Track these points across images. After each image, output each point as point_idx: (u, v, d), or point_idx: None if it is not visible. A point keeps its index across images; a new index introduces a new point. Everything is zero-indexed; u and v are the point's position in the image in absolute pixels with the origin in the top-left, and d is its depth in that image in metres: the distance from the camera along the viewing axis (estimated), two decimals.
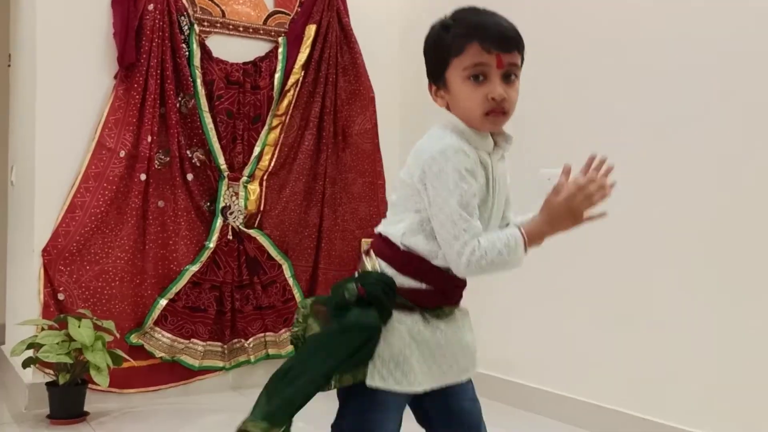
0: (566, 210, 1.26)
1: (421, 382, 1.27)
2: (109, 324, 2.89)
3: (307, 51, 3.51)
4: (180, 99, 3.23)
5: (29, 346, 2.72)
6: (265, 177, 3.43)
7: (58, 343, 2.69)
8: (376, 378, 1.24)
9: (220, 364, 3.30)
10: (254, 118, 3.41)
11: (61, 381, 2.73)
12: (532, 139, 3.08)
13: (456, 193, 1.22)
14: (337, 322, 1.23)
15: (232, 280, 3.32)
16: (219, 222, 3.29)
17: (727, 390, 2.31)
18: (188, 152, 3.25)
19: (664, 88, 2.54)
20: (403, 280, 1.29)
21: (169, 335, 3.18)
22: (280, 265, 3.44)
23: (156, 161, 3.16)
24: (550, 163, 2.97)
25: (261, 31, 3.50)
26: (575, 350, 2.84)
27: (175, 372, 3.21)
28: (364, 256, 1.36)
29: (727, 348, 2.32)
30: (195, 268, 3.20)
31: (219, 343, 3.30)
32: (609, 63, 2.74)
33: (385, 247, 1.31)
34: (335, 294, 1.27)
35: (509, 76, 1.30)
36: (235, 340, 3.35)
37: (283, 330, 3.46)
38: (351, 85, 3.68)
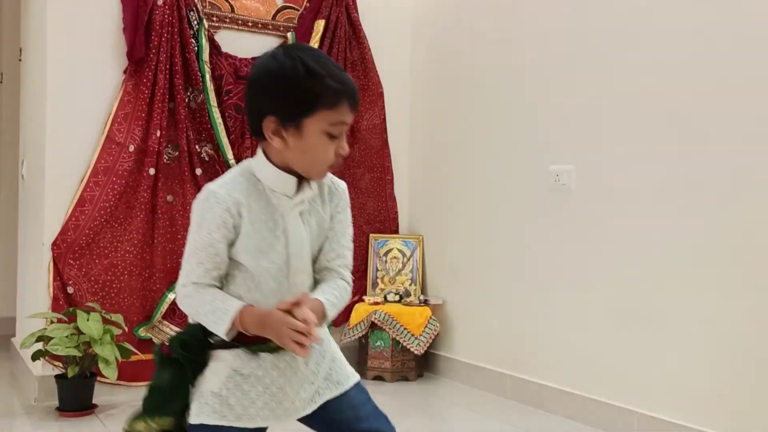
0: (272, 330, 1.20)
1: (252, 416, 1.28)
2: (118, 317, 2.91)
3: (316, 46, 3.51)
4: (189, 94, 3.24)
5: (38, 339, 2.75)
6: None
7: (67, 336, 2.71)
8: (202, 415, 1.26)
9: None
10: None
11: (70, 374, 2.75)
12: (543, 136, 3.08)
13: (193, 238, 1.26)
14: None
15: None
16: None
17: (739, 389, 2.30)
18: (197, 147, 3.26)
19: (678, 83, 2.52)
20: None
21: (178, 329, 3.19)
22: None
23: (165, 156, 3.17)
24: (560, 159, 2.98)
25: (270, 27, 3.50)
26: (582, 347, 2.83)
27: None
28: None
29: (739, 346, 2.30)
30: None
31: None
32: (620, 61, 2.73)
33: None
34: (156, 349, 1.32)
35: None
36: None
37: None
38: (360, 80, 3.68)
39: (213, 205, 1.24)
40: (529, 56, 3.14)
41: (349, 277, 1.38)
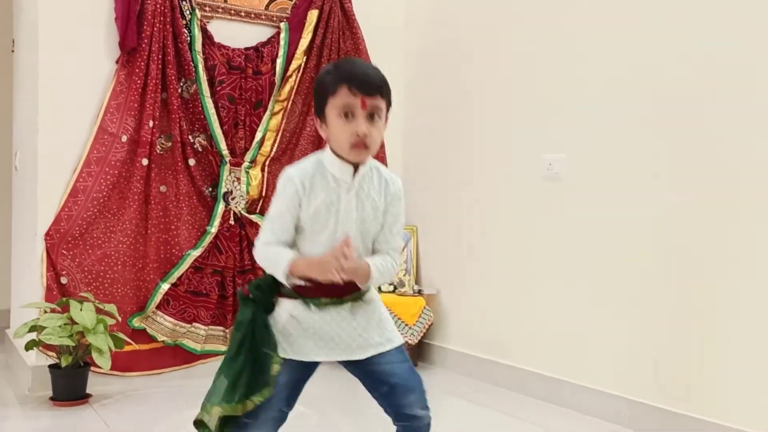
0: (317, 267, 1.52)
1: (307, 353, 1.58)
2: (111, 307, 2.92)
3: (309, 36, 3.51)
4: (181, 84, 3.23)
5: (32, 329, 2.75)
6: (267, 162, 3.44)
7: (60, 326, 2.72)
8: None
9: (222, 348, 3.32)
10: (256, 103, 3.42)
11: (64, 363, 2.76)
12: (536, 124, 3.09)
13: (274, 202, 1.59)
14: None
15: (233, 265, 3.33)
16: (221, 207, 3.30)
17: (731, 374, 2.31)
18: (190, 137, 3.26)
19: (671, 72, 2.53)
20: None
21: (171, 319, 3.20)
22: None
23: (158, 146, 3.17)
24: (553, 148, 2.98)
25: (263, 17, 3.50)
26: (574, 335, 2.85)
27: (177, 355, 3.24)
28: None
29: (730, 332, 2.32)
30: (197, 252, 3.22)
31: (221, 328, 3.33)
32: (612, 50, 2.73)
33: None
34: (238, 293, 1.64)
35: (373, 116, 1.53)
36: None
37: None
38: None
39: (286, 183, 1.57)
40: (522, 45, 3.14)
41: (397, 257, 1.65)
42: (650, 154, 2.57)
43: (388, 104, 1.57)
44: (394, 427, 1.68)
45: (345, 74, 1.51)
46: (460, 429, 2.63)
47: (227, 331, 3.33)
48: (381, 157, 3.78)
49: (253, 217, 3.38)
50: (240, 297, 1.61)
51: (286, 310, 1.59)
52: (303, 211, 1.56)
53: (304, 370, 1.61)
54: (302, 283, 1.56)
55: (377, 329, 1.64)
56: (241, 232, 3.36)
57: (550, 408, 2.87)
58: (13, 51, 3.80)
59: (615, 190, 2.70)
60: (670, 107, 2.51)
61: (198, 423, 1.61)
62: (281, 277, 1.55)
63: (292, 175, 1.57)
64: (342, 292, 1.59)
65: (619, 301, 2.67)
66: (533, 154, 3.04)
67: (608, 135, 2.73)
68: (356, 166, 1.57)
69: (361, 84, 1.50)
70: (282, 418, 1.62)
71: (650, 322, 2.55)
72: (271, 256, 1.56)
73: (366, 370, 1.64)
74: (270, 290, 1.60)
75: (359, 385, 1.66)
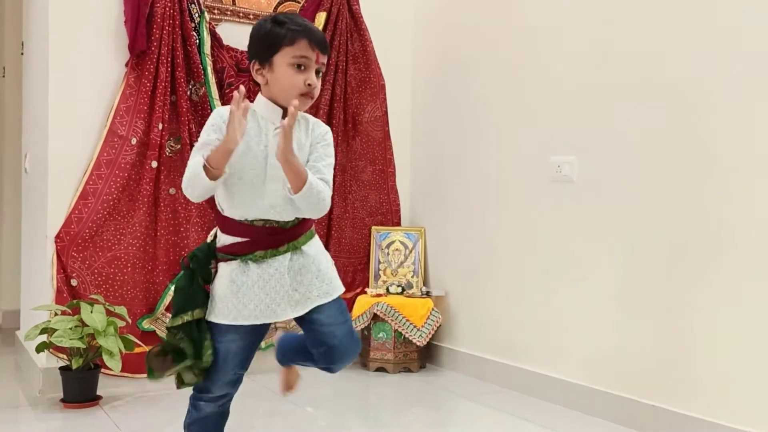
0: (225, 139, 1.55)
1: (247, 317, 1.65)
2: (121, 309, 2.93)
3: None
4: (191, 87, 3.25)
5: (43, 331, 2.76)
6: None
7: (71, 328, 2.73)
8: (212, 315, 1.68)
9: None
10: None
11: (74, 365, 2.78)
12: (545, 127, 3.09)
13: (201, 136, 1.67)
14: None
15: None
16: None
17: (744, 377, 2.31)
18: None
19: (679, 72, 2.52)
20: (225, 239, 1.69)
21: None
22: None
23: (167, 148, 3.18)
24: (562, 150, 2.98)
25: None
26: (585, 337, 2.84)
27: None
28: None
29: (738, 332, 2.31)
30: None
31: None
32: (621, 51, 2.73)
33: (216, 215, 1.75)
34: (180, 262, 1.75)
35: (319, 72, 1.68)
36: None
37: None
38: (361, 72, 3.68)
39: (214, 116, 1.66)
40: (531, 48, 3.14)
41: (327, 188, 1.67)
42: (659, 155, 2.56)
43: (327, 62, 1.72)
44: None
45: (304, 29, 1.63)
46: (467, 429, 2.63)
47: None
48: (389, 158, 3.79)
49: None
50: (182, 266, 1.71)
51: (225, 277, 1.66)
52: None
53: (254, 333, 1.70)
54: (237, 240, 1.65)
55: (316, 282, 1.70)
56: None
57: (560, 410, 2.87)
58: (22, 54, 3.82)
59: (624, 192, 2.69)
60: (679, 109, 2.50)
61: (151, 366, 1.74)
62: (203, 181, 1.55)
63: (221, 110, 1.65)
64: (278, 242, 1.66)
65: (630, 303, 2.66)
66: (542, 156, 3.04)
67: (617, 137, 2.73)
68: (285, 111, 1.61)
69: (319, 41, 1.64)
70: (239, 380, 1.77)
71: (663, 324, 2.54)
72: (190, 171, 1.58)
73: (309, 328, 1.72)
74: (206, 257, 1.69)
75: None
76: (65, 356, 2.87)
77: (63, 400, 2.84)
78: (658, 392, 2.55)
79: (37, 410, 2.81)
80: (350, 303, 3.58)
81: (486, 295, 3.37)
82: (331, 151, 1.74)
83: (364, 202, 3.70)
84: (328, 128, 1.76)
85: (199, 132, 3.21)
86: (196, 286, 1.67)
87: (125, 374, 3.04)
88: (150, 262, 3.15)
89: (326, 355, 1.72)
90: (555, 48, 3.02)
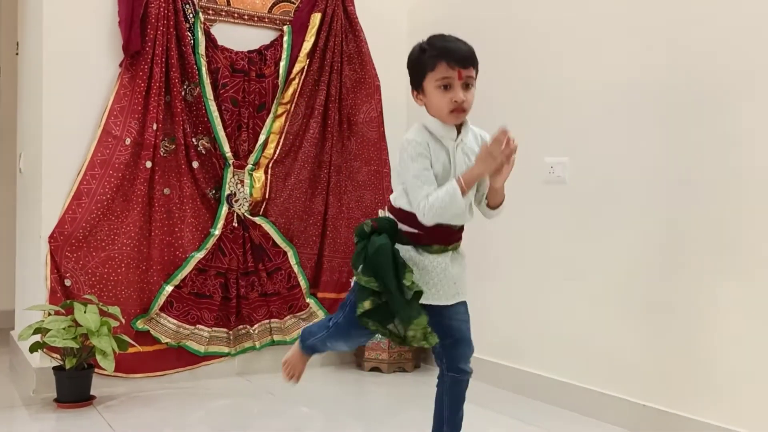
0: (486, 154, 1.75)
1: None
2: (115, 309, 2.93)
3: (312, 39, 3.52)
4: (185, 87, 3.25)
5: (36, 331, 2.76)
6: (270, 165, 3.45)
7: (64, 328, 2.73)
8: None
9: (226, 349, 3.34)
10: (259, 106, 3.43)
11: (68, 365, 2.78)
12: (538, 128, 3.10)
13: (411, 169, 1.81)
14: (362, 246, 1.83)
15: (237, 267, 3.35)
16: (224, 209, 3.31)
17: (743, 380, 2.31)
18: (193, 140, 3.28)
19: (672, 74, 2.53)
20: (402, 227, 1.87)
21: (175, 321, 3.21)
22: (285, 253, 3.47)
23: (161, 149, 3.19)
24: (555, 151, 2.99)
25: (266, 20, 3.51)
26: (577, 337, 2.85)
27: (181, 357, 3.25)
28: (380, 211, 1.97)
29: (745, 338, 2.32)
30: (200, 254, 3.23)
31: (224, 329, 3.34)
32: (614, 53, 2.73)
33: (390, 208, 1.94)
34: (357, 230, 1.88)
35: (468, 85, 1.81)
36: (241, 327, 3.39)
37: (288, 316, 3.49)
38: (356, 73, 3.69)
39: (415, 146, 1.81)
40: (524, 49, 3.15)
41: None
42: (652, 156, 2.57)
43: (477, 71, 1.83)
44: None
45: (443, 50, 1.77)
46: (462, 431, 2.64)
47: (230, 332, 3.35)
48: (384, 159, 3.79)
49: (257, 220, 3.39)
50: (367, 230, 1.84)
51: (401, 255, 1.82)
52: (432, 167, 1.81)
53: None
54: (417, 231, 1.83)
55: (464, 280, 1.93)
56: (245, 235, 3.37)
57: (557, 412, 2.87)
58: (17, 54, 3.82)
59: (617, 193, 2.70)
60: (672, 110, 2.51)
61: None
62: (460, 204, 1.75)
63: (417, 139, 1.82)
64: (449, 240, 1.88)
65: (626, 305, 2.67)
66: (535, 158, 3.05)
67: (610, 138, 2.74)
68: (458, 127, 1.85)
69: (458, 59, 1.76)
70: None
71: (655, 325, 2.55)
72: (442, 196, 1.75)
73: (441, 321, 1.88)
74: (393, 229, 1.85)
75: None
76: (59, 356, 2.87)
77: (57, 400, 2.84)
78: (651, 392, 2.55)
79: (31, 410, 2.81)
80: None
81: (479, 295, 3.36)
82: None
83: (359, 203, 3.70)
84: (487, 136, 1.91)
85: (192, 131, 3.27)
86: (396, 250, 1.81)
87: (119, 374, 3.04)
88: (144, 262, 3.15)
89: (450, 348, 1.91)
90: (548, 48, 3.03)
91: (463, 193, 1.75)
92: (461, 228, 1.92)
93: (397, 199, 1.91)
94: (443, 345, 1.91)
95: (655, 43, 2.57)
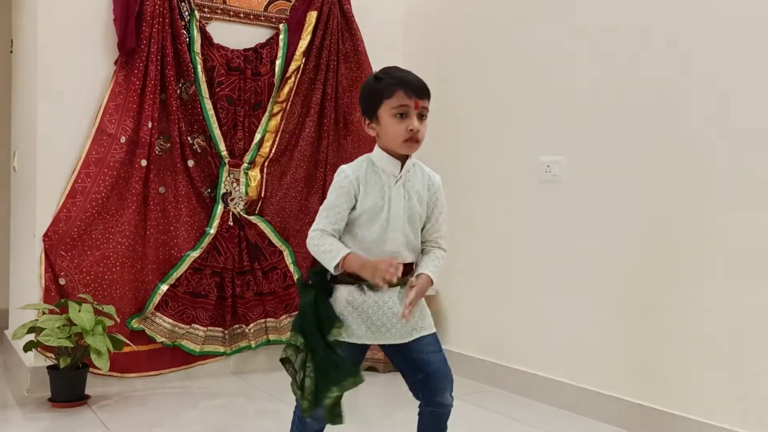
0: (369, 270, 1.69)
1: (359, 336, 1.77)
2: (110, 309, 2.92)
3: (308, 38, 3.51)
4: (180, 85, 3.23)
5: (30, 330, 2.75)
6: (266, 163, 3.44)
7: (58, 327, 2.71)
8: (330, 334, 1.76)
9: (221, 349, 3.33)
10: (255, 104, 3.42)
11: (62, 365, 2.76)
12: (534, 127, 3.10)
13: (329, 197, 1.80)
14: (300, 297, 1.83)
15: (232, 266, 3.33)
16: (220, 208, 3.30)
17: (727, 377, 2.31)
18: (189, 138, 3.26)
19: (667, 73, 2.53)
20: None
21: (170, 320, 3.20)
22: (280, 252, 3.46)
23: (157, 147, 3.17)
24: (551, 151, 2.99)
25: (262, 18, 3.50)
26: (572, 336, 2.85)
27: (176, 357, 3.24)
28: None
29: (727, 333, 2.32)
30: (196, 253, 3.22)
31: (220, 329, 3.33)
32: (610, 52, 2.73)
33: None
34: (298, 285, 1.89)
35: (422, 116, 1.78)
36: (236, 326, 3.37)
37: (284, 315, 3.47)
38: (352, 71, 3.68)
39: (342, 179, 1.78)
40: (522, 48, 3.14)
41: (445, 245, 1.90)
42: (648, 155, 2.57)
43: (429, 104, 1.81)
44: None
45: (400, 80, 1.76)
46: (460, 431, 2.63)
47: (226, 332, 3.34)
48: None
49: (252, 218, 3.38)
50: (300, 284, 1.84)
51: (342, 298, 1.77)
52: (359, 203, 1.77)
53: (358, 352, 1.82)
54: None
55: (420, 315, 1.84)
56: (240, 234, 3.36)
57: (549, 410, 2.87)
58: (11, 51, 3.80)
59: (613, 192, 2.70)
60: (668, 110, 2.51)
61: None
62: (330, 267, 1.73)
63: (348, 172, 1.80)
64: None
65: (619, 303, 2.67)
66: (531, 157, 3.04)
67: (606, 137, 2.73)
68: (403, 162, 1.80)
69: (415, 89, 1.76)
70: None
71: (650, 324, 2.55)
72: (326, 246, 1.75)
73: (406, 356, 1.84)
74: (326, 277, 1.80)
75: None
76: (53, 355, 2.86)
77: (51, 400, 2.83)
78: (644, 390, 2.55)
79: (25, 410, 2.79)
80: None
81: (475, 294, 3.37)
82: (444, 199, 1.92)
83: None
84: (439, 180, 1.91)
85: (188, 130, 3.26)
86: (321, 301, 1.78)
87: (113, 373, 3.03)
88: (139, 261, 3.14)
89: (424, 382, 1.84)
90: (545, 48, 3.02)
91: (337, 269, 1.73)
92: (410, 264, 1.83)
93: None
94: (415, 380, 1.85)
95: (651, 43, 2.57)
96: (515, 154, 3.15)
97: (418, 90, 1.77)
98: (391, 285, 1.74)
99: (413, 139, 1.76)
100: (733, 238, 2.30)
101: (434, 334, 1.87)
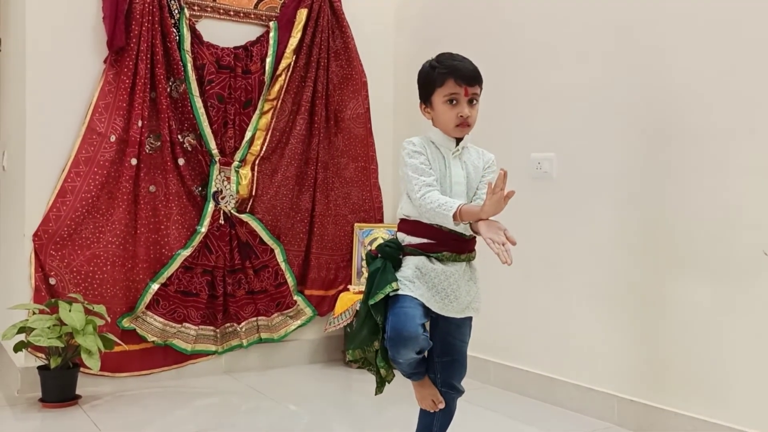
0: (497, 200, 1.82)
1: (428, 300, 1.86)
2: (100, 308, 2.90)
3: (299, 35, 3.50)
4: (170, 83, 3.22)
5: (20, 330, 2.74)
6: (256, 162, 3.43)
7: (49, 327, 2.70)
8: (403, 288, 1.86)
9: (213, 348, 3.32)
10: (245, 102, 3.41)
11: (53, 365, 2.75)
12: (525, 124, 3.10)
13: (409, 164, 1.90)
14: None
15: (224, 265, 3.33)
16: (210, 206, 3.29)
17: (727, 372, 2.33)
18: (179, 137, 3.25)
19: (656, 69, 2.54)
20: (412, 239, 1.92)
21: (161, 319, 3.19)
22: (272, 250, 3.45)
23: (147, 146, 3.16)
24: (541, 147, 2.99)
25: (252, 16, 3.49)
26: (563, 333, 2.86)
27: (167, 356, 3.23)
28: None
29: (726, 331, 2.33)
30: (187, 252, 3.21)
31: (211, 328, 3.32)
32: (599, 49, 2.74)
33: (399, 222, 1.99)
34: (367, 254, 2.00)
35: (472, 101, 1.92)
36: (228, 325, 3.37)
37: (276, 314, 3.47)
38: (343, 69, 3.67)
39: (413, 146, 1.92)
40: (511, 45, 3.15)
41: None
42: (639, 152, 2.58)
43: (481, 89, 1.95)
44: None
45: (451, 68, 1.90)
46: (453, 428, 2.64)
47: (217, 330, 3.33)
48: (371, 155, 3.78)
49: (243, 217, 3.38)
50: (368, 256, 1.95)
51: (412, 264, 1.88)
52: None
53: (423, 313, 1.86)
54: (426, 241, 1.89)
55: (477, 295, 1.99)
56: (231, 232, 3.35)
57: (544, 407, 2.88)
58: (0, 50, 3.78)
59: (604, 189, 2.71)
60: (658, 108, 2.52)
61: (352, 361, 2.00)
62: (448, 219, 1.80)
63: (414, 140, 1.93)
64: (460, 249, 1.93)
65: (613, 299, 2.68)
66: (522, 154, 3.05)
67: (597, 134, 2.74)
68: (457, 141, 1.95)
69: (465, 77, 1.89)
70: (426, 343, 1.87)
71: (644, 320, 2.56)
72: (436, 205, 1.82)
73: (445, 337, 1.98)
74: (395, 250, 1.92)
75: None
76: (44, 355, 2.85)
77: (42, 400, 2.82)
78: (638, 387, 2.56)
79: (16, 410, 2.78)
80: (333, 300, 3.57)
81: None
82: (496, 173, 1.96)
83: (346, 199, 3.69)
84: (491, 156, 2.04)
85: (178, 128, 3.25)
86: (386, 269, 1.89)
87: (104, 373, 3.02)
88: (130, 260, 3.13)
89: (447, 366, 1.99)
90: (536, 45, 3.03)
91: (455, 221, 1.80)
92: (473, 238, 1.95)
93: (403, 208, 1.96)
94: (441, 361, 1.98)
95: (641, 42, 2.58)
96: (506, 151, 3.14)
97: (468, 78, 1.89)
98: (457, 260, 1.91)
99: (464, 124, 1.90)
100: (730, 232, 2.31)
101: (470, 323, 2.03)
